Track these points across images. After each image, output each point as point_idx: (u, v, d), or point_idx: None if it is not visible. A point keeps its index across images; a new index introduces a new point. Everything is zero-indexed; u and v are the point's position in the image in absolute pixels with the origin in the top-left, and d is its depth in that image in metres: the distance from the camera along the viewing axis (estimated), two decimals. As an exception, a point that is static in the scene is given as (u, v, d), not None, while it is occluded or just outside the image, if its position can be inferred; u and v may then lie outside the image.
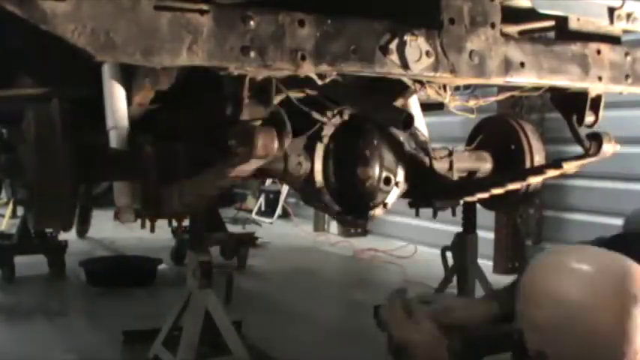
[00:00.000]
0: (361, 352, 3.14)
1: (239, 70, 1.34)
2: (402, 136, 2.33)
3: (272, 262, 5.35)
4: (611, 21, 1.82)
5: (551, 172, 2.33)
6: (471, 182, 2.65)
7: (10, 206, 6.12)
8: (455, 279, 2.75)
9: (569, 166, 2.25)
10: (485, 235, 4.25)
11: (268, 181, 7.64)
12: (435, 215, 2.66)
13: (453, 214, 2.75)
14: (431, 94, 2.00)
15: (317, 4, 1.42)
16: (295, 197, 7.28)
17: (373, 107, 2.04)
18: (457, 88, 2.33)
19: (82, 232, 5.82)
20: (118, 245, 5.72)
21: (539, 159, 2.65)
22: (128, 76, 1.99)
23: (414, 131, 2.49)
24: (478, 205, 2.90)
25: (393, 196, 2.31)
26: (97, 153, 2.00)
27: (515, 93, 2.22)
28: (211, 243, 4.46)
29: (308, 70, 1.40)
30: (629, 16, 1.83)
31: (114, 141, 1.99)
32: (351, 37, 1.42)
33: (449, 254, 2.73)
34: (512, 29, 2.25)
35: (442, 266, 2.78)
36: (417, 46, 1.50)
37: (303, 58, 1.37)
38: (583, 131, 2.17)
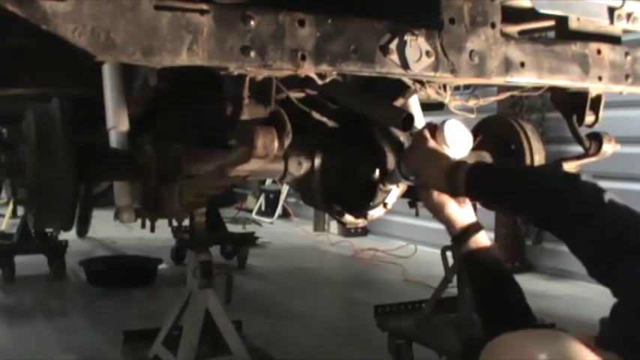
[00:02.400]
0: (361, 351, 3.15)
1: (239, 70, 1.34)
2: (402, 136, 2.33)
3: (272, 262, 5.36)
4: (612, 21, 1.82)
5: (552, 172, 2.32)
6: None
7: (10, 206, 6.13)
8: (455, 279, 2.75)
9: (569, 166, 2.25)
10: (486, 235, 4.24)
11: (268, 181, 7.65)
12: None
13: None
14: (431, 93, 2.00)
15: (317, 4, 1.42)
16: (295, 197, 7.29)
17: (373, 107, 2.04)
18: (457, 88, 2.33)
19: (82, 232, 5.83)
20: (118, 245, 5.73)
21: (539, 159, 2.65)
22: (128, 76, 1.99)
23: (414, 131, 2.49)
24: (478, 205, 2.90)
25: (394, 195, 2.31)
26: (97, 153, 2.00)
27: (515, 93, 2.22)
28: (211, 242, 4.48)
29: (308, 69, 1.40)
30: (629, 15, 1.83)
31: (114, 141, 1.99)
32: (351, 36, 1.42)
33: (449, 254, 2.73)
34: (513, 29, 2.25)
35: (442, 266, 2.78)
36: (417, 46, 1.50)
37: (304, 57, 1.37)
38: (583, 131, 2.17)
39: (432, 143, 1.72)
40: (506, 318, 1.61)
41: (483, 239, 1.68)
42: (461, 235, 1.68)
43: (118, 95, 1.99)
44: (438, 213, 1.71)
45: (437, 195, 1.71)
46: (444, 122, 1.74)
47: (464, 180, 1.61)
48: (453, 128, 1.73)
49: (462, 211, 1.70)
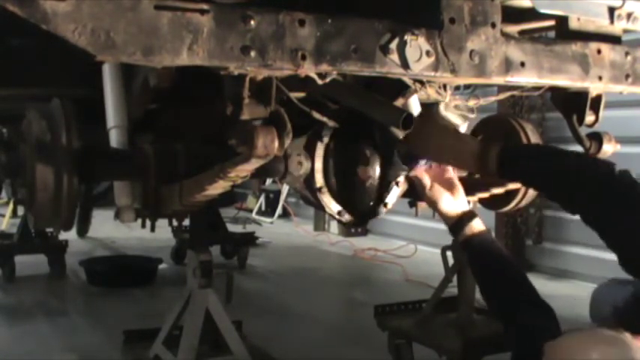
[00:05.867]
0: (361, 351, 3.15)
1: (239, 69, 1.34)
2: (401, 135, 2.33)
3: (272, 261, 5.36)
4: (612, 21, 1.82)
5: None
6: (471, 182, 2.65)
7: (11, 206, 6.13)
8: (455, 279, 2.75)
9: (570, 166, 2.25)
10: (486, 235, 4.24)
11: (268, 181, 7.65)
12: (434, 215, 2.67)
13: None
14: (431, 93, 2.00)
15: (317, 4, 1.42)
16: (295, 197, 7.29)
17: (373, 107, 2.04)
18: (457, 88, 2.33)
19: (82, 232, 5.83)
20: (119, 245, 5.73)
21: (539, 159, 2.64)
22: (128, 76, 1.99)
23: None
24: (478, 205, 2.91)
25: (394, 195, 2.31)
26: (97, 153, 2.00)
27: (516, 93, 2.22)
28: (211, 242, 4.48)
29: (308, 69, 1.40)
30: (629, 15, 1.83)
31: (114, 141, 1.99)
32: (351, 36, 1.42)
33: (449, 254, 2.73)
34: (513, 29, 2.25)
35: (442, 266, 2.78)
36: (417, 45, 1.50)
37: (304, 57, 1.37)
38: (583, 131, 2.17)
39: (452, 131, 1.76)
40: (510, 298, 1.63)
41: (478, 225, 1.72)
42: (455, 225, 1.73)
43: (118, 95, 1.99)
44: (434, 207, 1.77)
45: (430, 190, 1.76)
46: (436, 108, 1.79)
47: (496, 160, 1.64)
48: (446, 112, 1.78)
49: (456, 202, 1.76)
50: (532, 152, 1.80)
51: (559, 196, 1.66)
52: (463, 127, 1.83)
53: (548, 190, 1.72)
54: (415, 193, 2.45)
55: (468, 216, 1.75)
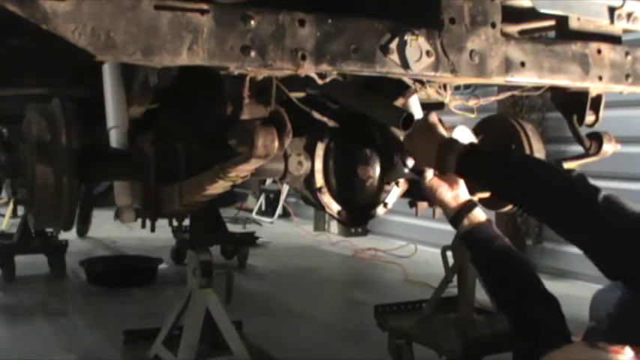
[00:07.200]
0: (361, 351, 3.15)
1: (239, 69, 1.34)
2: (402, 135, 2.33)
3: (272, 261, 5.36)
4: (612, 20, 1.82)
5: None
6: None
7: (11, 206, 6.12)
8: (455, 279, 2.75)
9: (570, 166, 2.25)
10: (486, 235, 4.23)
11: (268, 181, 7.65)
12: (434, 215, 2.67)
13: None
14: (431, 93, 2.00)
15: (317, 4, 1.42)
16: (295, 197, 7.29)
17: (373, 107, 2.04)
18: (457, 88, 2.33)
19: (82, 232, 5.83)
20: (119, 245, 5.73)
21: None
22: (128, 76, 1.99)
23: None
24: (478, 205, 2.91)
25: (394, 195, 2.31)
26: (97, 153, 2.00)
27: (516, 92, 2.22)
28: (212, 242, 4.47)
29: (308, 69, 1.40)
30: (629, 15, 1.83)
31: (114, 140, 1.99)
32: (351, 36, 1.42)
33: (449, 254, 2.73)
34: (513, 29, 2.25)
35: (442, 266, 2.78)
36: (417, 45, 1.50)
37: (304, 57, 1.37)
38: (583, 131, 2.17)
39: (432, 127, 1.76)
40: (513, 290, 1.62)
41: (478, 216, 1.71)
42: (455, 217, 1.72)
43: (118, 95, 1.99)
44: (433, 199, 1.77)
45: (429, 181, 1.76)
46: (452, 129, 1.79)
47: (455, 164, 1.65)
48: (461, 135, 1.77)
49: (454, 193, 1.75)
50: (490, 160, 1.78)
51: (513, 203, 1.65)
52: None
53: (504, 199, 1.72)
54: (415, 193, 2.46)
55: (468, 206, 1.73)
